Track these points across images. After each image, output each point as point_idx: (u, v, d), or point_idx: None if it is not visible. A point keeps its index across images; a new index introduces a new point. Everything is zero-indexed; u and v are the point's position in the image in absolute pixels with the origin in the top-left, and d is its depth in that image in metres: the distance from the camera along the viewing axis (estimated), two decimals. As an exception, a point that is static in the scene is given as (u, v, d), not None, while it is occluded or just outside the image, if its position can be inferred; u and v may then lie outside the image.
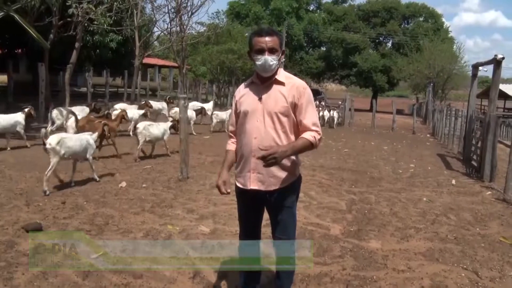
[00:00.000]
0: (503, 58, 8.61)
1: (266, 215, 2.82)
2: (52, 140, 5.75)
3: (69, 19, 15.89)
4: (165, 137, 8.72)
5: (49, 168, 5.74)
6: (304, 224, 4.99)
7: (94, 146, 6.58)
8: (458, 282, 3.69)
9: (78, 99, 19.50)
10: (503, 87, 27.54)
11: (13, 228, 4.39)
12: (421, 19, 43.64)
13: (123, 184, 6.45)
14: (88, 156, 6.34)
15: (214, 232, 4.64)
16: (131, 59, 24.29)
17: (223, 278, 3.55)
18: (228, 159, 2.83)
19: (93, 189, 6.10)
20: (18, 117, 9.06)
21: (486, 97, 15.83)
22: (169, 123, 9.10)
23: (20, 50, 26.64)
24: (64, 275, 3.46)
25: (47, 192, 5.65)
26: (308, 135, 2.62)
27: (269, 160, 2.43)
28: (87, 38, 21.61)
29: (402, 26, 43.35)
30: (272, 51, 2.56)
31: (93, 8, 15.77)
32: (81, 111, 10.99)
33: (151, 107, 13.09)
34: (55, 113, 10.44)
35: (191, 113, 12.60)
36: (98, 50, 23.51)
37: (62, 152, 5.79)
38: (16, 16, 11.28)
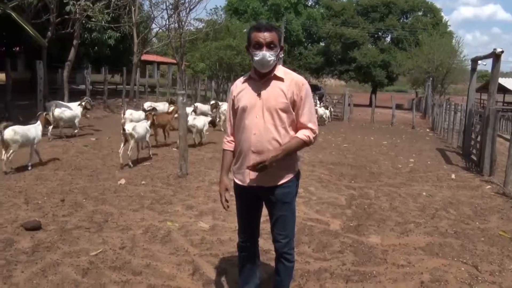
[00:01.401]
0: (502, 52, 8.57)
1: (265, 211, 2.81)
2: (129, 127, 7.49)
3: (66, 16, 15.81)
4: (204, 129, 10.30)
5: (130, 147, 7.42)
6: (303, 219, 4.99)
7: (150, 132, 8.52)
8: (458, 276, 3.69)
9: (77, 96, 19.48)
10: (502, 81, 27.55)
11: (12, 226, 4.39)
12: (420, 13, 43.48)
13: (122, 181, 6.45)
14: (146, 139, 8.20)
15: (214, 228, 4.63)
16: (129, 56, 24.22)
17: (222, 275, 3.55)
18: (226, 161, 2.81)
19: (92, 187, 6.09)
20: (78, 110, 10.47)
21: (486, 91, 15.82)
22: (209, 118, 10.83)
23: (17, 48, 26.53)
24: (63, 273, 3.46)
25: (131, 165, 7.43)
26: (302, 134, 2.60)
27: (259, 167, 2.50)
28: (85, 35, 21.51)
29: (401, 20, 43.21)
30: (270, 46, 2.52)
31: (91, 5, 15.73)
32: (163, 105, 13.66)
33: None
34: (146, 105, 12.60)
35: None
36: (96, 47, 23.39)
37: (136, 136, 7.46)
38: (13, 14, 11.23)
